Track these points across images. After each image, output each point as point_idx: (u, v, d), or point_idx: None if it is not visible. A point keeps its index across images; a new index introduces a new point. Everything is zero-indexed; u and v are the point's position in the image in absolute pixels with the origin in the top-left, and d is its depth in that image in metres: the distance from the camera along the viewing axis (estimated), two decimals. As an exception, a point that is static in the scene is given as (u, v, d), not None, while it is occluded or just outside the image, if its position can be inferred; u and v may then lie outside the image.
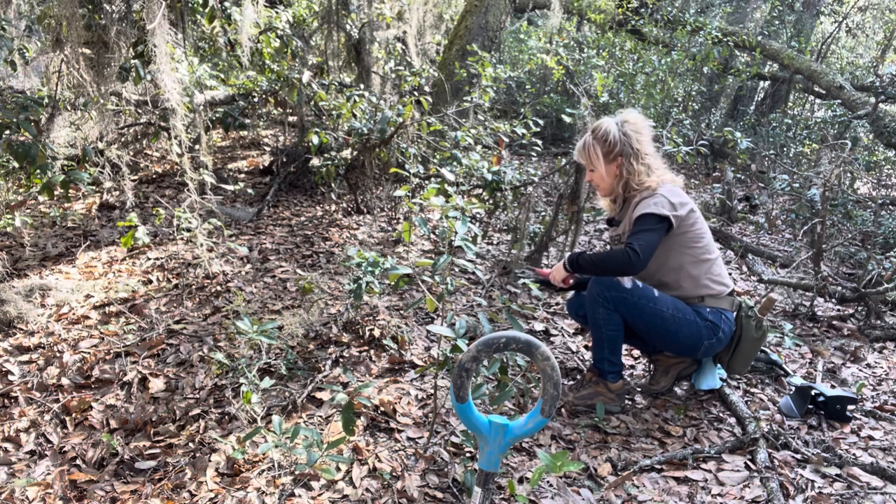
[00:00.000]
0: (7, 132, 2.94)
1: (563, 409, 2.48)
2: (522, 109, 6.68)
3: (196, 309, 3.11)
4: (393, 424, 2.25)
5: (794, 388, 2.69)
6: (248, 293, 3.25)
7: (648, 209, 2.30)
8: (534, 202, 4.08)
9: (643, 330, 2.41)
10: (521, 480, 2.04)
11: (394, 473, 1.99)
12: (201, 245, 3.49)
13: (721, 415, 2.54)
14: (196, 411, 2.32)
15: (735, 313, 2.47)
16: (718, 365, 2.64)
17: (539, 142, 4.45)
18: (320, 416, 2.29)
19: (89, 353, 2.71)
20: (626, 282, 2.36)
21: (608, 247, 2.65)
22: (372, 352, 2.72)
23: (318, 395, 2.39)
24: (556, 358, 2.93)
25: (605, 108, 6.32)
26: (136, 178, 5.01)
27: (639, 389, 2.70)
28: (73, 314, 3.04)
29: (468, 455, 2.12)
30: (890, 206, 5.43)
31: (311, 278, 3.29)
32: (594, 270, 2.40)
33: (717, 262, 2.44)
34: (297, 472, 1.96)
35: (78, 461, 2.12)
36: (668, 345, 2.47)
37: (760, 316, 2.48)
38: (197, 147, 4.08)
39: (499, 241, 4.45)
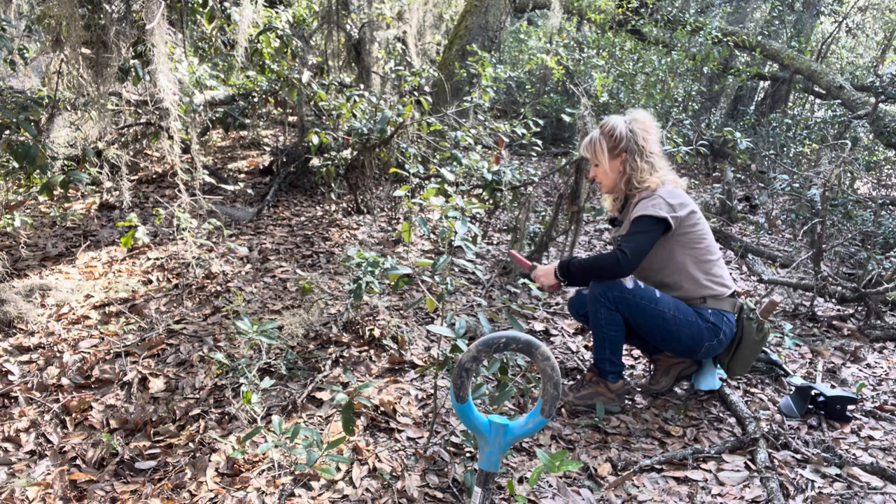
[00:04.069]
0: (7, 132, 2.94)
1: (563, 409, 2.48)
2: (522, 109, 6.68)
3: (196, 309, 3.11)
4: (393, 424, 2.25)
5: (794, 388, 2.69)
6: (248, 293, 3.25)
7: (645, 211, 2.31)
8: (534, 202, 4.08)
9: (644, 330, 2.41)
10: (520, 480, 2.04)
11: (394, 473, 1.99)
12: (199, 246, 3.49)
13: (721, 415, 2.54)
14: (196, 411, 2.32)
15: (736, 315, 2.47)
16: (718, 365, 2.64)
17: (539, 142, 4.45)
18: (320, 416, 2.29)
19: (89, 353, 2.71)
20: (628, 282, 2.36)
21: (608, 247, 2.66)
22: (372, 352, 2.72)
23: (318, 395, 2.39)
24: (556, 358, 2.93)
25: (605, 108, 6.32)
26: (135, 178, 5.01)
27: (639, 389, 2.70)
28: (73, 314, 3.04)
29: (468, 455, 2.12)
30: (890, 206, 5.43)
31: (311, 278, 3.29)
32: (585, 275, 2.42)
33: (718, 263, 2.44)
34: (297, 472, 1.96)
35: (78, 461, 2.12)
36: (668, 345, 2.47)
37: (762, 318, 2.48)
38: (196, 147, 4.08)
39: (499, 241, 4.45)
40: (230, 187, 4.85)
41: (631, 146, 2.40)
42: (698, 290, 2.40)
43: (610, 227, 2.69)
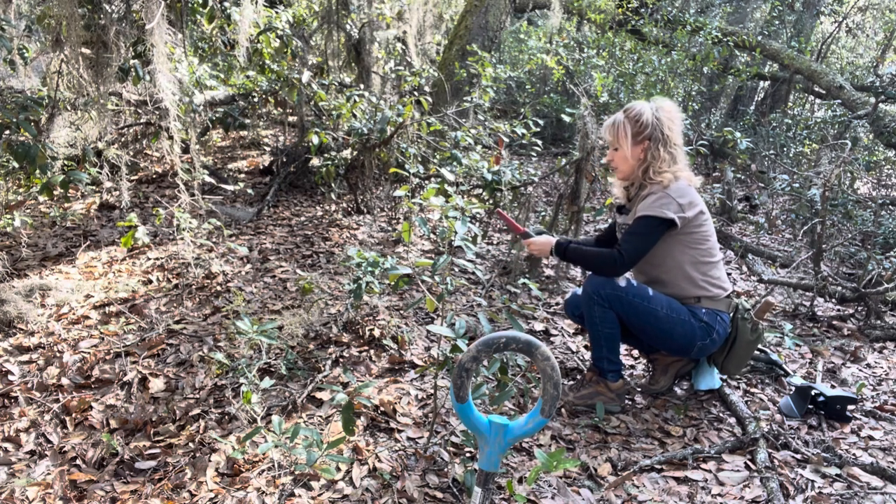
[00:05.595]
0: (7, 132, 2.94)
1: (563, 409, 2.48)
2: (522, 109, 6.68)
3: (196, 309, 3.11)
4: (393, 424, 2.25)
5: (794, 388, 2.69)
6: (248, 293, 3.25)
7: (650, 211, 2.29)
8: (534, 202, 4.08)
9: (637, 328, 2.41)
10: (520, 480, 2.04)
11: (394, 473, 1.99)
12: (199, 246, 3.49)
13: (721, 415, 2.54)
14: (196, 411, 2.32)
15: (731, 315, 2.47)
16: (713, 365, 2.64)
17: (539, 142, 4.45)
18: (320, 416, 2.29)
19: (89, 353, 2.71)
20: (621, 280, 2.36)
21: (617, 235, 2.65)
22: (372, 352, 2.72)
23: (318, 395, 2.39)
24: (556, 358, 2.93)
25: (606, 108, 6.32)
26: (135, 178, 5.01)
27: (639, 389, 2.70)
28: (73, 314, 3.04)
29: (468, 455, 2.12)
30: (890, 206, 5.43)
31: (311, 278, 3.29)
32: (580, 264, 2.48)
33: (717, 265, 2.44)
34: (297, 472, 1.96)
35: (78, 461, 2.12)
36: (661, 343, 2.47)
37: (756, 319, 2.48)
38: (196, 147, 4.08)
39: (499, 241, 4.45)
40: (230, 187, 4.85)
41: (656, 134, 2.35)
42: (693, 289, 2.40)
43: (618, 213, 2.67)
